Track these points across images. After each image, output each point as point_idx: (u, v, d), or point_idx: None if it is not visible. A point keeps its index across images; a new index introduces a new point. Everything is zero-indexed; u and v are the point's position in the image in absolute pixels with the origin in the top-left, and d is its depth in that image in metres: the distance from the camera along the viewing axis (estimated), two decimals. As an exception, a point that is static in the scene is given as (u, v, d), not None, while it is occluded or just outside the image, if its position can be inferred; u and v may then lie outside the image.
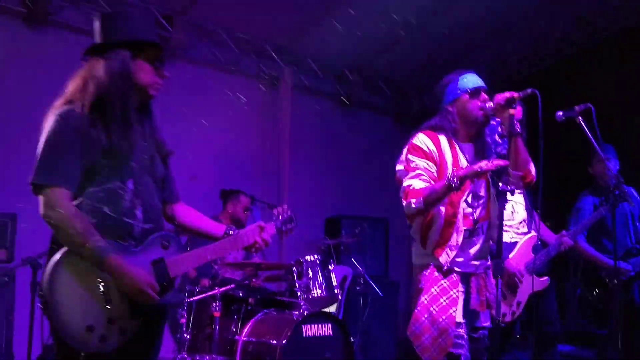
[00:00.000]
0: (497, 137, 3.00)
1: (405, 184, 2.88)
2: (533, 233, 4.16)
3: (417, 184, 2.82)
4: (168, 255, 2.31)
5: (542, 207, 2.77)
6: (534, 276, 4.07)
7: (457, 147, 2.97)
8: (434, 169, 2.90)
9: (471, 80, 2.96)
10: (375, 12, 6.28)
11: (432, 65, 7.28)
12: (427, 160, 2.90)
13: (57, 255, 2.12)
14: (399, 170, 2.98)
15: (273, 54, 6.91)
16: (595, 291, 4.40)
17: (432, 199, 2.77)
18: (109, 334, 2.16)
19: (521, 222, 4.14)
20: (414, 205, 2.78)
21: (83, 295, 2.14)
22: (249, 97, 7.07)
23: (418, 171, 2.88)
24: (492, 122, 2.97)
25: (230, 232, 2.55)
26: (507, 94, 2.75)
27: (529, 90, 2.67)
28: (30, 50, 5.48)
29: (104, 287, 2.17)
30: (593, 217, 4.29)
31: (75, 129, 2.16)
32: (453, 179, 2.67)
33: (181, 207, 2.62)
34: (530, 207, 4.17)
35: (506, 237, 3.94)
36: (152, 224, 2.32)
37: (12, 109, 5.30)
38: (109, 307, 2.17)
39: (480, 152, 2.99)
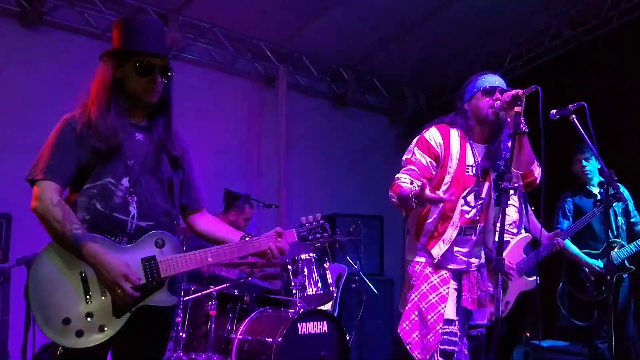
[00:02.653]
0: (509, 144, 3.02)
1: (397, 175, 2.97)
2: (526, 234, 4.19)
3: (403, 180, 2.90)
4: (161, 254, 2.27)
5: (542, 205, 2.77)
6: (524, 276, 4.11)
7: (468, 144, 3.01)
8: (433, 164, 2.96)
9: (489, 80, 3.01)
10: (370, 11, 6.29)
11: (427, 64, 7.30)
12: (427, 156, 2.96)
13: (44, 247, 2.17)
14: (403, 159, 3.05)
15: (268, 53, 6.93)
16: (579, 286, 4.45)
17: (400, 200, 2.81)
18: (87, 330, 2.12)
19: (511, 224, 4.15)
20: (392, 200, 2.89)
21: (63, 287, 2.13)
22: (245, 97, 7.09)
23: (412, 166, 2.96)
24: (509, 130, 2.99)
25: (247, 239, 2.47)
26: (513, 92, 2.79)
27: (533, 87, 2.70)
28: (24, 49, 5.47)
29: (85, 281, 2.16)
30: (587, 217, 4.32)
31: (72, 129, 2.25)
32: (413, 196, 2.68)
33: (200, 216, 2.62)
34: (523, 209, 4.20)
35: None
36: (151, 221, 2.29)
37: (6, 109, 5.31)
38: (88, 301, 2.15)
39: (493, 155, 3.01)
